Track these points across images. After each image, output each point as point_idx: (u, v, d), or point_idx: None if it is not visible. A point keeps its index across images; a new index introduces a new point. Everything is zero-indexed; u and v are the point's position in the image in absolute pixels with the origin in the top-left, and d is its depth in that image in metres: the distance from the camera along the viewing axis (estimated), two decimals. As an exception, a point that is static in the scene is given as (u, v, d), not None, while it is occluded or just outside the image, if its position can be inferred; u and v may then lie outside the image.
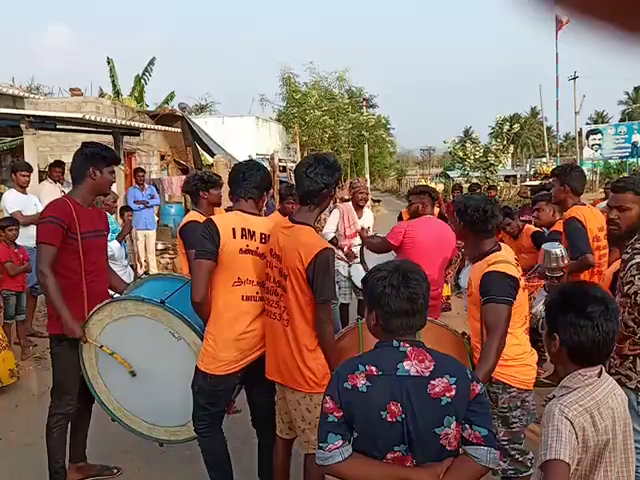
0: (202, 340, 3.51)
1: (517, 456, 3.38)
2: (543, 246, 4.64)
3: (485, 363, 3.15)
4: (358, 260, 6.54)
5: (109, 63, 22.15)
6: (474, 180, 25.16)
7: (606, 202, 10.55)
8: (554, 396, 2.16)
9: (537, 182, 21.94)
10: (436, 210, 7.89)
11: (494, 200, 3.86)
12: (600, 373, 2.14)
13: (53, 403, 4.01)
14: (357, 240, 6.62)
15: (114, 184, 9.91)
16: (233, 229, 3.40)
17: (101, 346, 3.83)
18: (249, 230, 3.44)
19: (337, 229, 7.01)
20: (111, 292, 4.21)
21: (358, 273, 6.51)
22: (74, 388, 3.96)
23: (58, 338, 3.88)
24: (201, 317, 3.50)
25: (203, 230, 3.42)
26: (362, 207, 7.08)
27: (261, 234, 3.47)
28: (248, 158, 3.93)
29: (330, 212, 7.27)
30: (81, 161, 3.96)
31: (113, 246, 6.44)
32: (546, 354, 5.84)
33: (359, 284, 6.56)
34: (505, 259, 3.35)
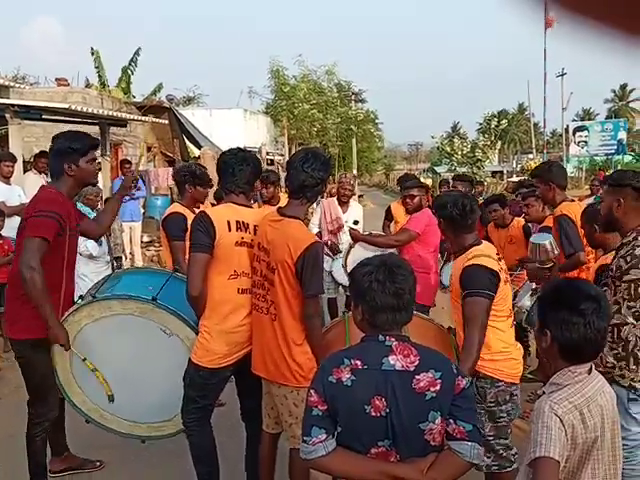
0: (196, 334, 3.48)
1: (501, 451, 3.38)
2: (531, 239, 4.65)
3: (468, 356, 3.17)
4: (341, 255, 6.55)
5: (93, 54, 21.97)
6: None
7: (593, 198, 10.54)
8: (544, 392, 2.17)
9: (520, 178, 22.04)
10: None
11: (472, 195, 3.88)
12: (590, 370, 2.15)
13: (35, 412, 3.81)
14: (346, 237, 6.59)
15: (99, 176, 9.65)
16: (228, 222, 3.38)
17: (84, 359, 3.69)
18: (243, 222, 3.43)
19: (319, 223, 7.01)
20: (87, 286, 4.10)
21: (339, 268, 6.52)
22: (55, 391, 3.80)
23: (32, 344, 3.63)
24: (196, 311, 3.46)
25: (198, 223, 3.38)
26: (346, 202, 7.08)
27: (255, 226, 3.45)
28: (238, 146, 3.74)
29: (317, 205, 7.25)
30: (54, 158, 3.77)
31: (90, 245, 6.31)
32: (530, 349, 5.88)
33: (339, 279, 6.57)
34: (485, 253, 3.36)
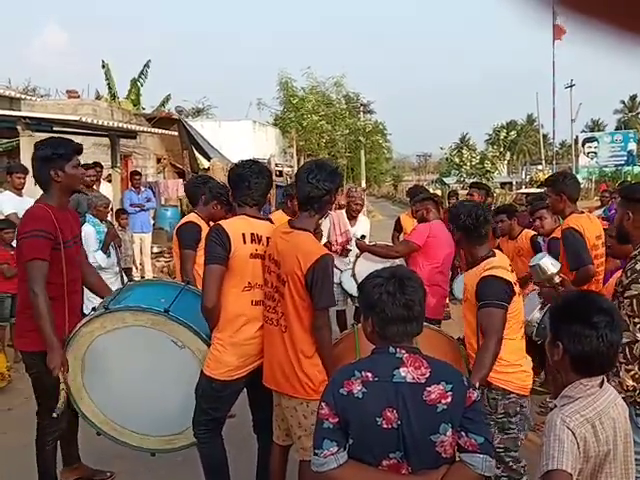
0: (208, 347, 3.48)
1: (511, 463, 3.39)
2: (530, 263, 4.58)
3: (481, 367, 3.19)
4: (349, 266, 6.54)
5: (104, 67, 22.16)
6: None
7: (602, 210, 10.47)
8: (555, 405, 2.16)
9: (533, 190, 22.02)
10: None
11: (485, 206, 3.88)
12: (602, 383, 2.14)
13: (44, 422, 3.85)
14: (354, 249, 6.57)
15: (110, 188, 9.73)
16: (243, 234, 3.39)
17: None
18: (257, 235, 3.44)
19: (329, 235, 6.98)
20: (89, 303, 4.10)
21: (348, 279, 6.51)
22: (65, 403, 3.81)
23: (43, 355, 3.61)
24: (210, 323, 3.46)
25: (213, 236, 3.39)
26: (355, 216, 7.06)
27: (267, 238, 3.46)
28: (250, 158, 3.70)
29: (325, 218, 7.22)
30: (40, 166, 3.73)
31: (98, 257, 6.36)
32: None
33: (349, 290, 6.55)
34: (500, 265, 3.40)
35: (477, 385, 3.18)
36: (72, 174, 3.75)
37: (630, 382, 3.02)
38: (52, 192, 3.75)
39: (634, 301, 3.00)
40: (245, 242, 3.39)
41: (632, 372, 3.01)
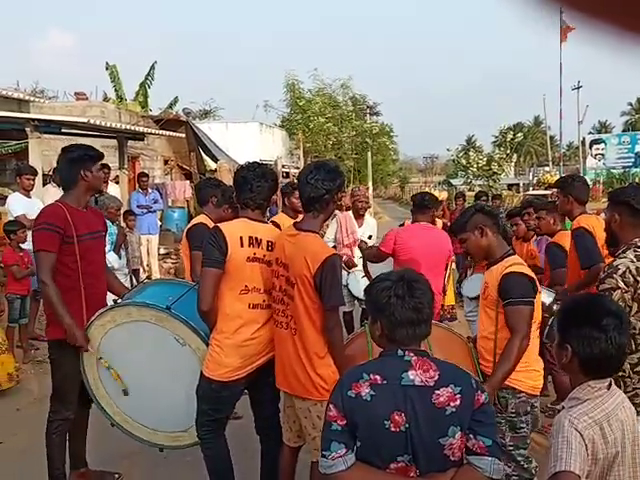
0: (207, 346, 3.51)
1: (522, 462, 3.41)
2: None
3: (506, 363, 3.23)
4: (356, 269, 6.53)
5: (107, 69, 22.21)
6: (477, 188, 25.18)
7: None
8: (563, 407, 2.17)
9: (540, 191, 21.99)
10: (439, 222, 7.90)
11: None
12: (609, 385, 2.15)
13: (53, 409, 3.98)
14: (359, 251, 6.56)
15: (118, 189, 9.86)
16: (241, 237, 3.39)
17: (100, 358, 3.82)
18: (256, 238, 3.44)
19: (335, 235, 6.97)
20: (113, 296, 4.19)
21: (354, 280, 6.51)
22: (74, 393, 3.95)
23: (59, 344, 3.84)
24: (208, 325, 3.49)
25: (210, 238, 3.40)
26: (362, 215, 7.05)
27: (267, 242, 3.46)
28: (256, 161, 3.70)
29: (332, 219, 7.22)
30: (69, 166, 3.98)
31: (110, 258, 6.40)
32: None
33: (356, 292, 6.54)
34: (521, 262, 3.49)
35: (501, 378, 3.25)
36: (97, 175, 4.06)
37: None
38: (75, 191, 3.97)
39: (606, 294, 3.06)
40: (242, 245, 3.39)
41: None
